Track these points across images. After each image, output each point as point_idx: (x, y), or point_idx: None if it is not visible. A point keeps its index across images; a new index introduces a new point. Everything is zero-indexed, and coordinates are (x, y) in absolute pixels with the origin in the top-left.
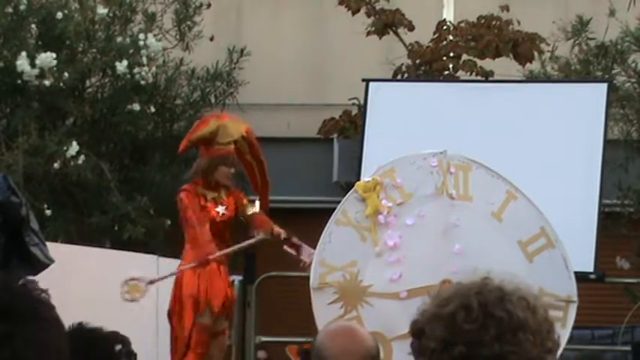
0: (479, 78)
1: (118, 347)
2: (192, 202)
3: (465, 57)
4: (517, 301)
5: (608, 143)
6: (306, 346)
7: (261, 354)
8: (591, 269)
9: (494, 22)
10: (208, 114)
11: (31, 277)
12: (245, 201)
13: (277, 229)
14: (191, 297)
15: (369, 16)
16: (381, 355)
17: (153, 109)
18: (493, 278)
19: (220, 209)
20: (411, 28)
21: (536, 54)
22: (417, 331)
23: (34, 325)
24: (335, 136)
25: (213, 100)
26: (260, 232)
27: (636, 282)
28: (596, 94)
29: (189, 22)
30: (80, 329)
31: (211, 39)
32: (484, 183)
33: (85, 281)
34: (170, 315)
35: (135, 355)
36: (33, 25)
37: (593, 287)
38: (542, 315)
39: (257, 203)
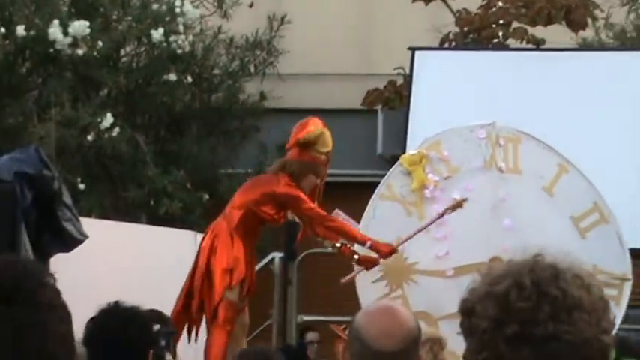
0: (530, 46)
1: (157, 326)
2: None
3: (515, 24)
4: (571, 279)
5: None
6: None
7: (313, 335)
8: None
9: None
10: (309, 118)
11: (61, 254)
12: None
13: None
14: (224, 271)
15: None
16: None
17: (190, 79)
18: (546, 255)
19: (290, 216)
20: None
21: (589, 21)
22: (468, 310)
23: (34, 309)
24: (379, 107)
25: (252, 69)
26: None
27: None
28: None
29: None
30: (116, 308)
31: (250, 6)
32: (534, 156)
33: (120, 258)
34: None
35: (174, 333)
36: None
37: None
38: (597, 294)
39: None
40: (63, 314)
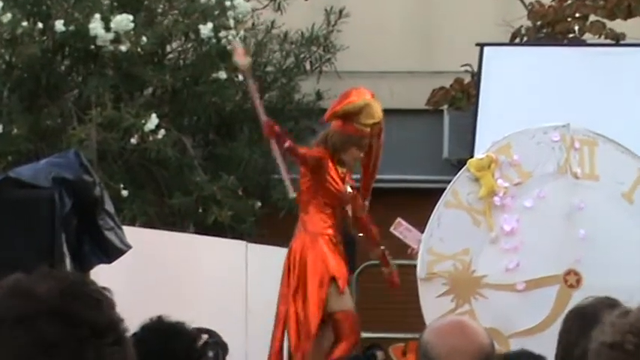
0: (608, 41)
1: (202, 341)
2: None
3: (592, 17)
4: None
5: None
6: (411, 344)
7: (379, 354)
8: None
9: None
10: (352, 87)
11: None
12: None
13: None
14: (320, 282)
15: None
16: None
17: (241, 78)
18: None
19: (348, 188)
20: None
21: None
22: None
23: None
24: (445, 107)
25: (308, 66)
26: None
27: None
28: None
29: None
30: (160, 323)
31: None
32: (613, 160)
33: (166, 270)
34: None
35: (224, 346)
36: None
37: None
38: None
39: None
40: (129, 341)
